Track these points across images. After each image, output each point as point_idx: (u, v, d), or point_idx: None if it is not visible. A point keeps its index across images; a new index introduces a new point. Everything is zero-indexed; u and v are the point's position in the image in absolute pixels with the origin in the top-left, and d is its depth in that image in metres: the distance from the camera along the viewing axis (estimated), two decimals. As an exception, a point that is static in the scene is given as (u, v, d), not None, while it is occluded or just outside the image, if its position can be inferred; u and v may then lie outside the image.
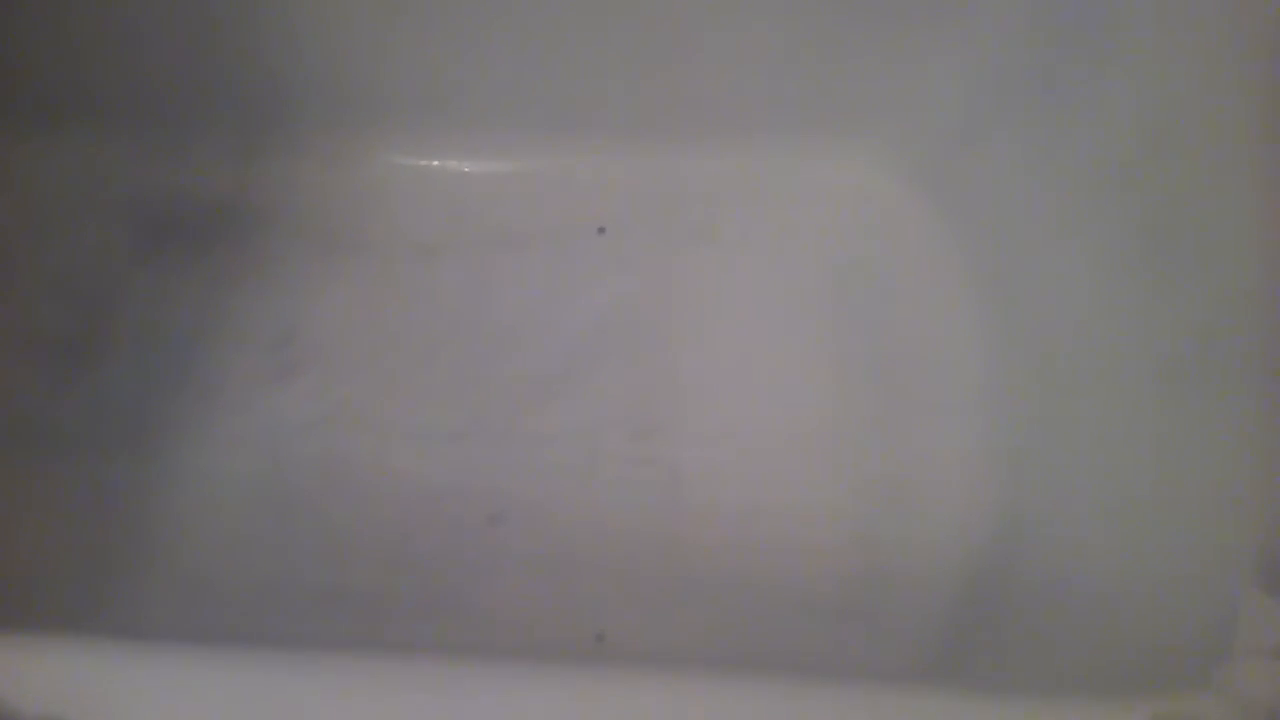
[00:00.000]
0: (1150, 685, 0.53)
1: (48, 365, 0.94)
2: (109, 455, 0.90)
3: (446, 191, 1.04)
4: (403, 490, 0.90)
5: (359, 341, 0.97)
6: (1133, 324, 0.79)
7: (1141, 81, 0.80)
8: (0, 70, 0.98)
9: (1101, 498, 0.77)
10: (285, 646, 0.54)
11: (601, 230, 1.02)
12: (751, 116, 1.01)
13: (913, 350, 0.96)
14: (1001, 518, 0.85)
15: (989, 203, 0.95)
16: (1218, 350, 0.71)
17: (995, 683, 0.67)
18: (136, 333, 0.96)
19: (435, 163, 1.04)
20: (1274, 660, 0.50)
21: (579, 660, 0.61)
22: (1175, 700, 0.51)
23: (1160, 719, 0.49)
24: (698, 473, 0.91)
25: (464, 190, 1.04)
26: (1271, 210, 0.69)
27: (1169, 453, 0.73)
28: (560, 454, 0.92)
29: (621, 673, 0.56)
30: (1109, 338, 0.82)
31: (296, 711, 0.51)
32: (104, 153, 1.02)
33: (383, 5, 0.95)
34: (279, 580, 0.86)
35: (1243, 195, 0.71)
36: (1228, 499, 0.66)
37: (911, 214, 1.01)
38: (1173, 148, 0.77)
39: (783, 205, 1.03)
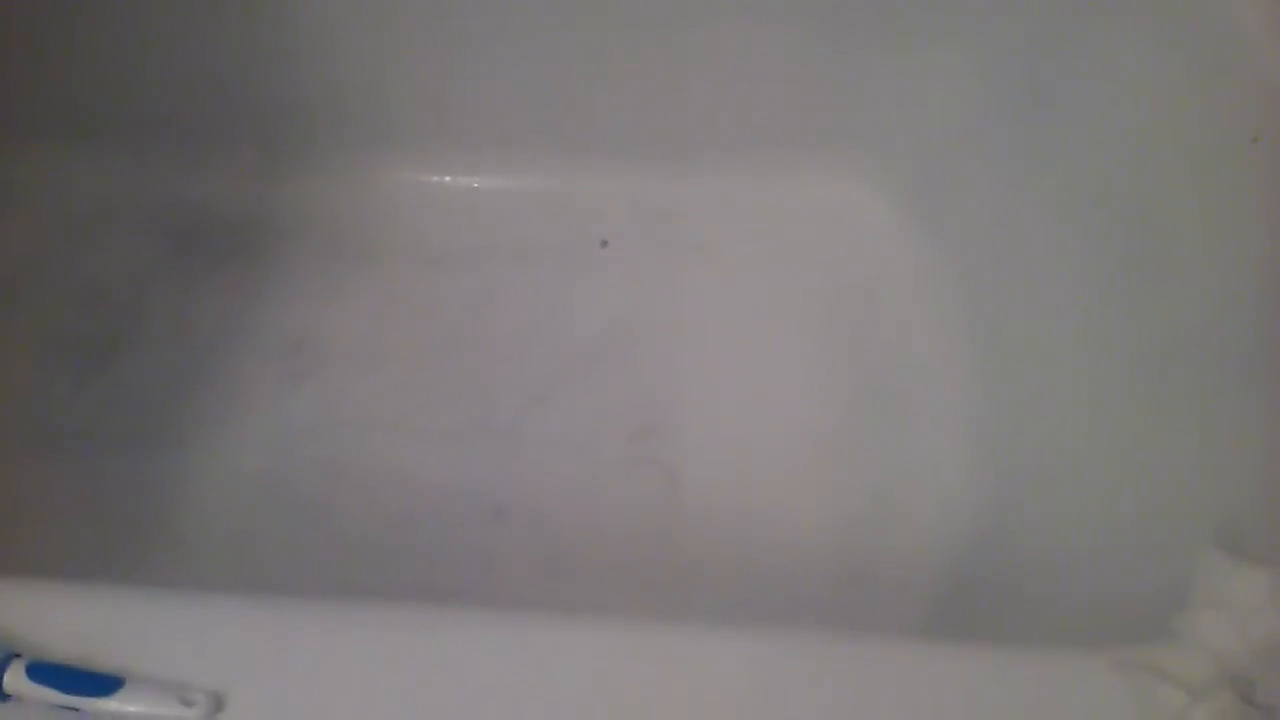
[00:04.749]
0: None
1: (69, 366, 0.98)
2: (122, 451, 0.93)
3: (455, 206, 1.08)
4: (406, 487, 0.93)
5: (367, 348, 1.00)
6: (1116, 327, 0.82)
7: (1129, 93, 0.83)
8: (33, 88, 1.03)
9: (1082, 481, 0.79)
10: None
11: (604, 244, 1.06)
12: (748, 136, 1.06)
13: (901, 359, 1.00)
14: (986, 505, 0.88)
15: (977, 217, 0.99)
16: (1198, 348, 0.74)
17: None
18: (155, 337, 1.00)
19: (446, 179, 1.09)
20: (1227, 611, 0.52)
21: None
22: (1136, 651, 0.53)
23: (1119, 665, 0.52)
24: (694, 474, 0.94)
25: (472, 205, 1.08)
26: (1256, 216, 0.72)
27: (1144, 444, 0.76)
28: (561, 454, 0.95)
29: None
30: (1092, 340, 0.84)
31: (311, 648, 0.54)
32: (130, 168, 1.07)
33: (396, 32, 1.00)
34: (283, 574, 0.88)
35: (1228, 204, 0.74)
36: (1197, 480, 0.68)
37: (901, 229, 1.04)
38: (1159, 156, 0.80)
39: (778, 222, 1.07)
